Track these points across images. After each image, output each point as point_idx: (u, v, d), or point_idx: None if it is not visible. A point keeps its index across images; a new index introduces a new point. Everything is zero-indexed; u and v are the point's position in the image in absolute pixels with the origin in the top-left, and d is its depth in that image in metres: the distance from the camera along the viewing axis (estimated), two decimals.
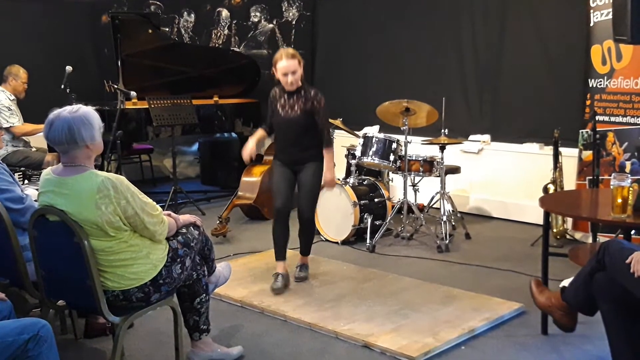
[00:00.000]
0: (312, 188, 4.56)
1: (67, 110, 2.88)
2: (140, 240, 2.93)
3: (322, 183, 4.63)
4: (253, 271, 4.90)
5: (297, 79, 4.41)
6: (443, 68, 6.93)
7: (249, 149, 4.61)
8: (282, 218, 4.58)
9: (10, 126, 6.20)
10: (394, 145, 5.69)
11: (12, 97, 6.38)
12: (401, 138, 5.66)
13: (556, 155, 5.54)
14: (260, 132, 4.73)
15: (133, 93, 6.19)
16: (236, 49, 8.26)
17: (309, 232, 4.75)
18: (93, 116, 2.90)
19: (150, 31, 7.06)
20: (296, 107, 4.46)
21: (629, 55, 5.17)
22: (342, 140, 6.58)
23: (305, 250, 4.78)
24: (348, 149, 6.28)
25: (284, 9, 8.20)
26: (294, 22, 8.18)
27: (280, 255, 4.64)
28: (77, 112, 2.86)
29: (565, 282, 4.03)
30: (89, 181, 2.81)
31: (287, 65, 4.36)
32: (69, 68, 6.26)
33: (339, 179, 5.81)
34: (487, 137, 6.69)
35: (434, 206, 6.17)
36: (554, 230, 5.54)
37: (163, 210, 3.07)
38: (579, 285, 3.20)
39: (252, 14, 8.28)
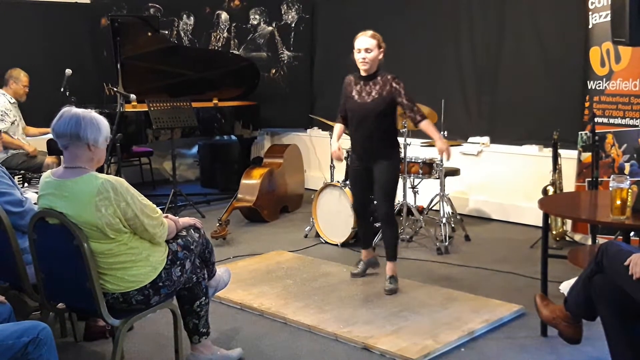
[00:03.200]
0: (385, 184, 4.43)
1: (81, 109, 2.94)
2: (139, 242, 2.93)
3: (439, 151, 4.44)
4: (253, 274, 4.90)
5: (372, 60, 4.32)
6: (442, 70, 6.94)
7: (336, 150, 4.54)
8: (360, 215, 4.74)
9: None
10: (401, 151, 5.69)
11: (13, 100, 6.38)
12: (401, 140, 5.65)
13: (555, 157, 5.55)
14: (338, 128, 4.63)
15: (133, 96, 6.19)
16: (235, 52, 8.27)
17: (390, 232, 4.56)
18: (103, 123, 2.94)
19: (149, 34, 7.07)
20: (373, 92, 4.36)
21: (628, 57, 5.17)
22: (342, 142, 6.54)
23: (390, 254, 4.58)
24: (347, 151, 6.27)
25: (283, 12, 8.21)
26: (293, 25, 8.20)
27: (365, 244, 4.83)
28: (90, 113, 2.92)
29: (565, 284, 4.03)
30: (89, 183, 2.82)
31: (362, 41, 4.32)
32: (68, 71, 6.27)
33: (338, 181, 5.83)
34: (486, 139, 6.70)
35: (433, 208, 6.17)
36: (554, 232, 5.54)
37: (162, 212, 3.08)
38: (578, 289, 3.20)
39: (252, 16, 8.29)
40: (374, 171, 4.47)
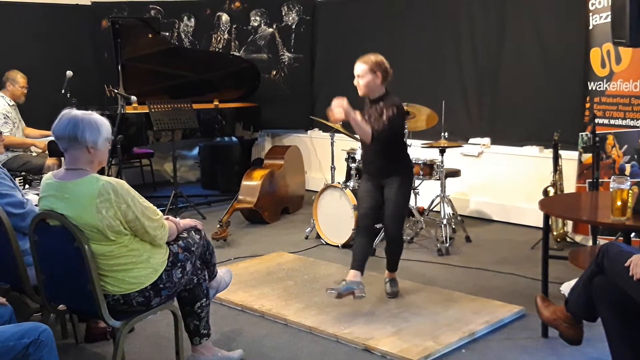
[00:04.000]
0: (396, 205, 4.32)
1: (81, 111, 2.94)
2: (140, 244, 2.94)
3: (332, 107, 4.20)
4: (253, 275, 4.91)
5: (365, 86, 4.27)
6: (443, 71, 6.94)
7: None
8: (362, 231, 4.36)
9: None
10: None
11: (12, 103, 6.38)
12: None
13: (556, 158, 5.55)
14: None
15: (133, 97, 6.19)
16: (236, 53, 8.27)
17: (394, 250, 4.52)
18: (103, 125, 2.93)
19: (150, 36, 7.08)
20: (375, 115, 4.30)
21: (628, 58, 5.17)
22: (342, 144, 6.58)
23: (391, 267, 4.55)
24: (348, 153, 6.28)
25: (283, 14, 8.21)
26: (293, 27, 8.20)
27: (355, 265, 4.25)
28: (89, 115, 2.92)
29: (565, 285, 4.05)
30: (90, 185, 2.82)
31: (356, 67, 4.31)
32: (69, 73, 6.27)
33: (339, 183, 5.83)
34: (487, 140, 6.70)
35: (434, 209, 6.17)
36: (554, 233, 5.54)
37: (163, 214, 3.08)
38: (579, 290, 3.20)
39: (252, 18, 8.30)
40: (384, 189, 4.39)
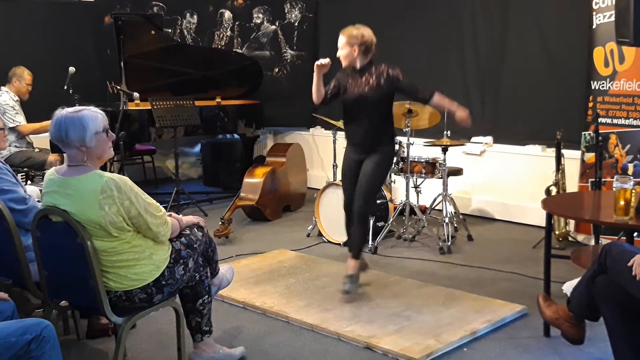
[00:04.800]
0: (370, 178, 4.33)
1: (69, 109, 2.91)
2: (143, 241, 2.93)
3: (460, 119, 4.36)
4: (255, 272, 4.90)
5: (345, 57, 4.35)
6: (445, 70, 6.93)
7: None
8: (349, 215, 4.48)
9: (17, 125, 6.21)
10: (396, 147, 5.69)
11: (16, 98, 6.40)
12: (403, 140, 5.67)
13: (558, 157, 5.54)
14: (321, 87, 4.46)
15: (136, 94, 6.20)
16: (239, 51, 8.27)
17: (360, 227, 4.41)
18: (89, 119, 2.87)
19: (153, 32, 7.08)
20: (371, 82, 4.34)
21: (632, 57, 5.17)
22: (345, 141, 6.56)
23: (355, 250, 4.41)
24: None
25: (286, 11, 8.21)
26: (296, 24, 8.20)
27: (352, 251, 4.41)
28: (76, 113, 2.87)
29: (567, 285, 4.04)
30: (93, 181, 2.81)
31: (339, 39, 4.38)
32: (71, 69, 6.27)
33: (341, 180, 5.82)
34: (489, 139, 6.69)
35: (436, 208, 6.17)
36: (557, 232, 5.53)
37: (165, 211, 3.08)
38: (581, 290, 3.20)
39: (255, 15, 8.29)
40: (363, 163, 4.39)
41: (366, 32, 4.37)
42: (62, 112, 2.89)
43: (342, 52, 4.37)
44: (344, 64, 4.41)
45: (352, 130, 4.48)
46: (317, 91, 4.41)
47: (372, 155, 4.38)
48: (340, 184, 5.66)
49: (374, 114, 4.36)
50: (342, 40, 4.37)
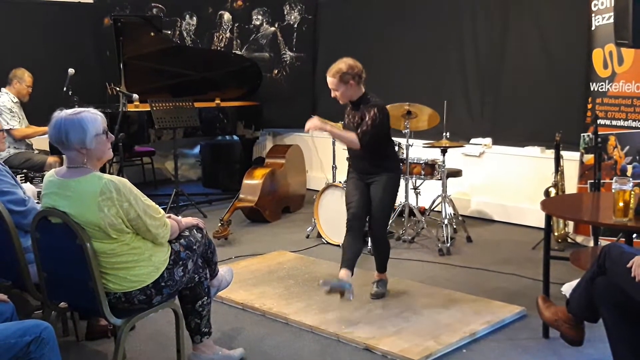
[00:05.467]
0: (381, 203, 4.29)
1: (68, 111, 2.90)
2: (142, 242, 2.93)
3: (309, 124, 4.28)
4: (255, 274, 4.90)
5: (342, 96, 4.25)
6: (445, 72, 6.93)
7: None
8: (353, 231, 4.28)
9: (10, 129, 6.21)
10: (396, 149, 5.68)
11: (16, 100, 6.40)
12: (403, 141, 5.67)
13: (557, 158, 5.55)
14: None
15: (135, 96, 6.20)
16: (238, 52, 8.27)
17: (382, 249, 4.48)
18: (89, 121, 2.87)
19: (152, 34, 7.08)
20: (355, 119, 4.29)
21: (631, 59, 5.17)
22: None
23: (380, 267, 4.51)
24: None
25: (285, 12, 8.21)
26: (295, 26, 8.20)
27: (346, 264, 4.16)
28: (75, 115, 2.87)
29: (566, 286, 4.03)
30: (92, 183, 2.81)
31: (330, 82, 4.28)
32: (71, 70, 6.27)
33: (340, 182, 5.82)
34: (488, 140, 6.69)
35: (435, 209, 6.17)
36: (556, 233, 5.54)
37: (165, 213, 3.08)
38: (581, 291, 3.20)
39: (254, 17, 8.30)
40: (370, 189, 4.34)
41: (352, 62, 4.28)
42: (61, 114, 2.89)
43: (339, 92, 4.24)
44: (343, 102, 4.31)
45: (354, 159, 4.46)
46: (346, 139, 4.27)
47: (377, 177, 4.31)
48: (339, 185, 5.70)
49: (367, 149, 4.23)
50: (333, 81, 4.24)
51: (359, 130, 4.19)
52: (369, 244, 5.53)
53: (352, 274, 4.13)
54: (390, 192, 4.35)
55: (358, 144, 4.18)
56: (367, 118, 4.18)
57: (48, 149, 6.47)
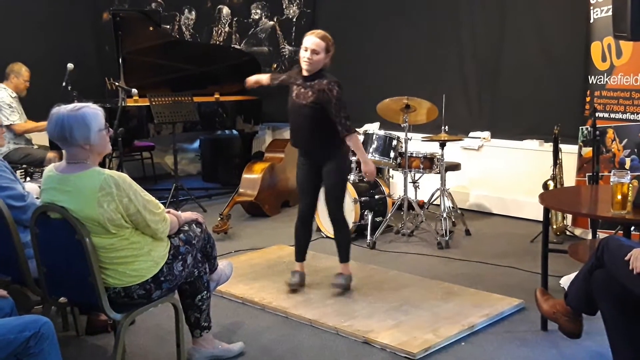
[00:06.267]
0: (334, 186, 4.29)
1: (69, 107, 2.89)
2: (141, 237, 2.94)
3: (364, 173, 4.32)
4: (254, 268, 4.92)
5: (316, 62, 4.11)
6: (443, 65, 6.93)
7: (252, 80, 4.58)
8: (304, 219, 4.45)
9: (11, 124, 6.22)
10: (394, 142, 5.70)
11: (14, 95, 6.40)
12: (401, 135, 5.68)
13: (556, 151, 5.55)
14: (265, 76, 4.65)
15: (134, 90, 6.20)
16: (237, 46, 8.27)
17: (340, 233, 4.44)
18: (92, 117, 2.87)
19: (151, 28, 7.07)
20: (307, 95, 4.16)
21: (629, 51, 5.17)
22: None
23: (342, 255, 4.46)
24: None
25: (284, 6, 8.20)
26: (294, 20, 8.19)
27: (300, 256, 4.51)
28: (77, 111, 2.86)
29: (565, 279, 4.04)
30: (92, 179, 2.82)
31: (310, 41, 4.12)
32: (70, 65, 6.26)
33: None
34: (487, 133, 6.70)
35: (434, 203, 6.18)
36: (554, 226, 5.54)
37: (164, 207, 3.08)
38: (579, 284, 3.21)
39: (253, 11, 8.29)
40: (323, 169, 4.30)
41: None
42: (61, 110, 2.88)
43: (316, 57, 4.10)
44: (308, 68, 4.14)
45: (297, 137, 4.38)
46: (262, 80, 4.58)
47: (325, 162, 4.28)
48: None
49: (315, 127, 4.20)
50: (318, 43, 4.10)
51: (339, 124, 4.10)
52: (368, 238, 5.55)
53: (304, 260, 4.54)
54: (341, 175, 4.35)
55: (352, 135, 4.18)
56: (331, 100, 4.08)
57: (48, 144, 6.47)
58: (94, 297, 2.88)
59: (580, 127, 5.61)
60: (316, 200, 4.50)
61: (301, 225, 4.49)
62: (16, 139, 6.32)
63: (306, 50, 4.13)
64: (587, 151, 5.48)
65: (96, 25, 8.18)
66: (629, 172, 3.46)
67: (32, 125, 6.41)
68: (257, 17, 8.29)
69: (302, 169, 4.41)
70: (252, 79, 4.69)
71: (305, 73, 4.20)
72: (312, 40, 4.13)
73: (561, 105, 6.01)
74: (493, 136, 6.68)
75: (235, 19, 8.35)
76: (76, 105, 2.91)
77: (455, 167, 6.15)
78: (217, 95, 7.48)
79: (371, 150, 5.71)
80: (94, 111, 2.90)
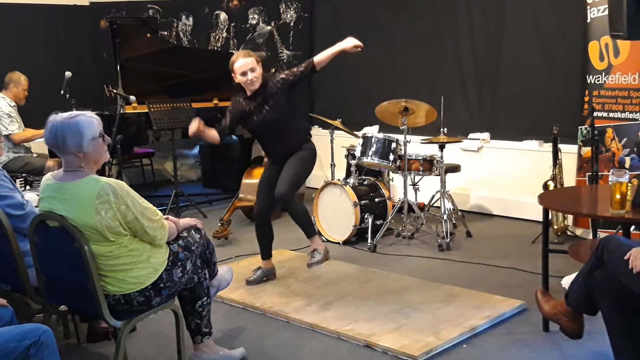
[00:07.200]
0: (289, 172, 4.40)
1: (64, 115, 2.90)
2: (140, 244, 2.94)
3: (346, 45, 4.37)
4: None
5: (259, 77, 4.32)
6: (441, 67, 6.93)
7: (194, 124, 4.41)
8: (261, 221, 4.65)
9: (10, 134, 6.22)
10: (394, 145, 5.70)
11: (13, 104, 6.41)
12: (400, 137, 5.67)
13: (555, 152, 5.54)
14: (207, 129, 4.51)
15: (133, 97, 6.20)
16: (235, 52, 8.25)
17: (293, 209, 4.47)
18: (86, 125, 2.87)
19: (148, 35, 7.08)
20: (266, 104, 4.35)
21: (627, 51, 5.17)
22: (342, 140, 6.58)
23: (308, 231, 4.53)
24: (348, 149, 6.29)
25: (281, 11, 8.21)
26: (292, 24, 8.20)
27: (265, 255, 4.72)
28: (71, 119, 2.87)
29: (566, 279, 4.04)
30: (89, 186, 2.82)
31: (244, 63, 4.29)
32: (68, 73, 6.27)
33: (339, 180, 5.84)
34: (486, 135, 6.70)
35: (434, 205, 6.18)
36: (555, 226, 5.54)
37: (164, 214, 3.08)
38: (579, 284, 3.21)
39: (250, 16, 8.30)
40: (285, 165, 4.44)
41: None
42: (56, 117, 2.89)
43: (256, 73, 4.30)
44: (257, 85, 4.33)
45: (268, 149, 4.61)
46: (212, 138, 4.50)
47: (293, 156, 4.46)
48: (338, 182, 5.71)
49: (283, 130, 4.39)
50: (251, 61, 4.29)
51: (302, 69, 4.37)
52: (368, 241, 5.55)
53: (271, 257, 4.70)
54: (298, 164, 4.44)
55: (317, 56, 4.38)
56: (286, 76, 4.37)
57: (47, 153, 6.48)
58: (94, 305, 2.87)
59: (579, 127, 5.61)
60: (273, 204, 4.58)
61: (259, 225, 4.64)
62: (15, 148, 6.32)
63: (246, 74, 4.31)
64: (587, 151, 5.47)
65: (94, 33, 8.19)
66: (627, 171, 3.45)
67: (30, 134, 6.41)
68: (254, 22, 8.30)
69: (268, 171, 4.58)
70: (193, 128, 4.41)
71: (249, 93, 4.39)
72: (243, 62, 4.31)
73: (560, 105, 6.01)
74: (492, 137, 6.68)
75: (232, 25, 8.36)
76: (72, 113, 2.92)
77: (455, 168, 6.15)
78: (215, 101, 7.48)
79: (370, 153, 5.71)
80: (88, 119, 2.90)
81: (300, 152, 4.48)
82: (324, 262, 4.50)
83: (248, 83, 4.32)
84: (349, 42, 4.36)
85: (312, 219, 4.68)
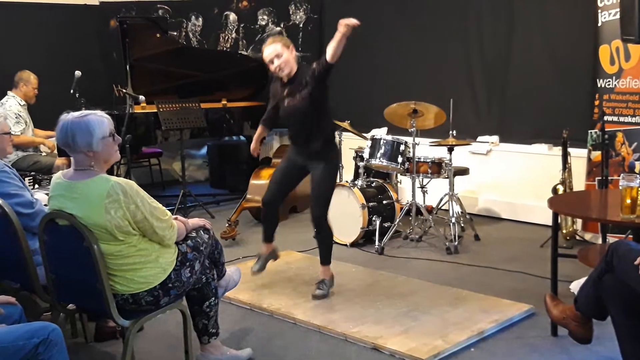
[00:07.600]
0: (324, 190, 4.31)
1: (75, 114, 2.90)
2: (149, 244, 2.94)
3: (342, 31, 4.19)
4: (262, 274, 4.88)
5: (287, 62, 4.18)
6: (451, 70, 6.92)
7: (253, 147, 4.69)
8: (268, 211, 4.51)
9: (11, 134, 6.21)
10: (402, 147, 5.68)
11: (23, 103, 6.42)
12: (409, 140, 5.66)
13: (565, 155, 5.53)
14: (259, 130, 4.67)
15: (142, 97, 6.21)
16: (244, 53, 8.28)
17: (322, 234, 4.42)
18: (96, 125, 2.87)
19: (158, 35, 7.09)
20: (297, 94, 4.23)
21: (638, 55, 5.15)
22: (350, 142, 6.58)
23: (323, 258, 4.47)
24: (356, 151, 6.28)
25: (291, 12, 8.22)
26: (301, 25, 8.20)
27: (267, 238, 4.56)
28: (82, 118, 2.87)
29: (575, 284, 4.03)
30: (99, 186, 2.82)
31: (268, 51, 4.18)
32: (78, 73, 6.28)
33: (347, 181, 5.83)
34: (495, 138, 6.68)
35: (442, 208, 6.16)
36: (564, 231, 5.52)
37: (172, 214, 3.08)
38: (588, 289, 3.19)
39: (260, 17, 8.31)
40: (311, 173, 4.35)
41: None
42: (67, 116, 2.90)
43: (283, 58, 4.16)
44: (286, 71, 4.21)
45: (292, 137, 4.50)
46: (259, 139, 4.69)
47: (317, 164, 4.31)
48: (346, 184, 5.70)
49: (309, 122, 4.26)
50: (275, 47, 4.17)
51: (322, 60, 4.14)
52: (376, 244, 5.54)
53: (273, 241, 4.58)
54: (332, 178, 4.38)
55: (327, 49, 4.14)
56: (317, 65, 4.15)
57: (56, 151, 6.49)
58: (102, 304, 2.88)
59: (589, 131, 5.59)
60: (283, 196, 4.53)
61: (267, 213, 4.52)
62: (24, 146, 6.33)
63: (272, 62, 4.20)
64: (597, 155, 5.45)
65: (103, 33, 8.21)
66: (638, 175, 3.43)
67: (29, 140, 6.38)
68: (264, 23, 8.31)
69: (286, 163, 4.47)
70: (255, 143, 4.74)
71: (285, 79, 4.28)
72: (269, 51, 4.21)
73: (570, 109, 5.99)
74: (501, 140, 6.66)
75: (242, 25, 8.36)
76: (83, 112, 2.92)
77: (463, 171, 6.13)
78: (224, 101, 7.48)
79: (379, 155, 5.70)
80: (99, 118, 2.90)
81: (326, 166, 4.30)
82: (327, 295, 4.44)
83: (277, 70, 4.21)
84: (342, 27, 4.20)
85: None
